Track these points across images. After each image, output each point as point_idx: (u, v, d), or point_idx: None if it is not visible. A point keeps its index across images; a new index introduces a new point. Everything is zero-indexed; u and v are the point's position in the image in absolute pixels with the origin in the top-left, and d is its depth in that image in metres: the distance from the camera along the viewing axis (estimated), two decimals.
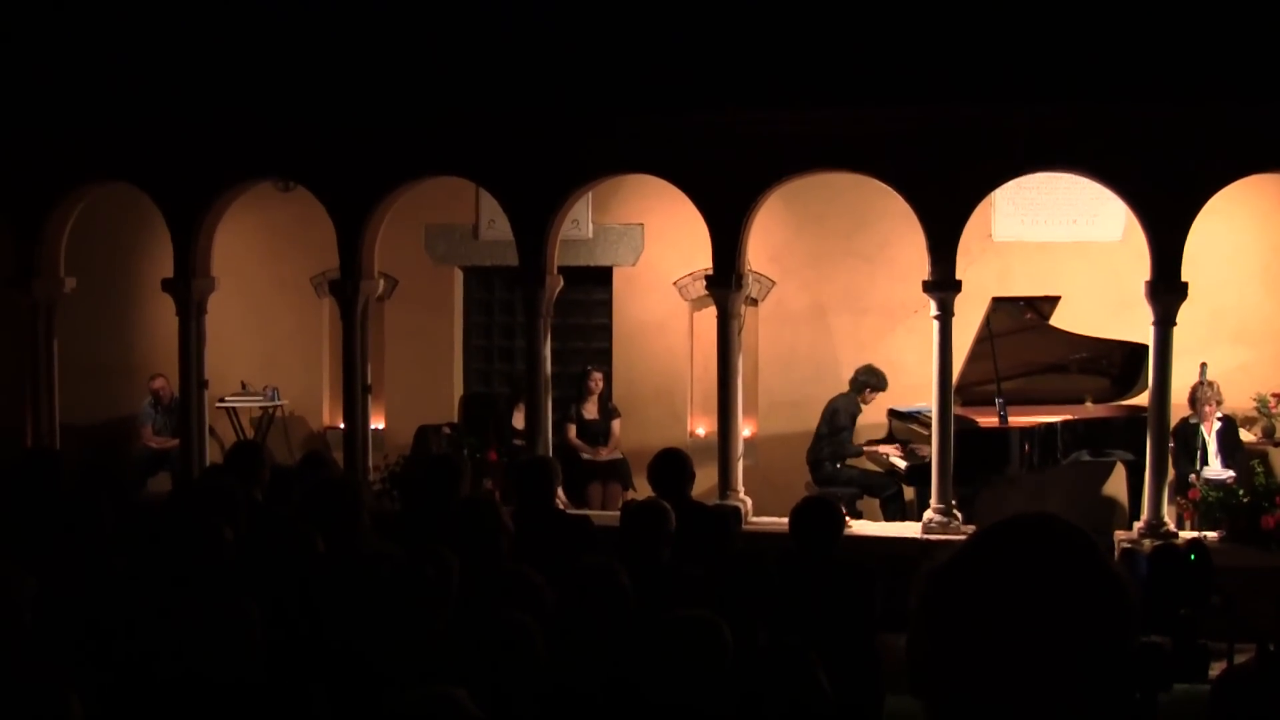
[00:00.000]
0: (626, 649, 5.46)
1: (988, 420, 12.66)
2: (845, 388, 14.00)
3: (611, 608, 5.87)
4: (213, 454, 13.53)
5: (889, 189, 11.70)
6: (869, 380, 13.79)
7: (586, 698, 5.39)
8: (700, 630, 5.17)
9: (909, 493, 13.33)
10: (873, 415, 13.98)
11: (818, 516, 7.75)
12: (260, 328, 15.92)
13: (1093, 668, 2.08)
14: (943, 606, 2.13)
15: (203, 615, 5.48)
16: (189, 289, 12.79)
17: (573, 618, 5.84)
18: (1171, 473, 11.90)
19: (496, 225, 14.59)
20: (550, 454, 11.93)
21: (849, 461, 13.74)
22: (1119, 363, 13.39)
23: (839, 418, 13.66)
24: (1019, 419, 12.64)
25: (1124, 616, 2.12)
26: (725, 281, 11.92)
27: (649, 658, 5.17)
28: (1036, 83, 11.14)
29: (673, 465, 8.87)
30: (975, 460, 12.18)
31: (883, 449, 13.70)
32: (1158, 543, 10.96)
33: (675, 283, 15.28)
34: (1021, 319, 13.04)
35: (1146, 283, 11.39)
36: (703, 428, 15.15)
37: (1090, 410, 13.33)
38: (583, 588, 5.93)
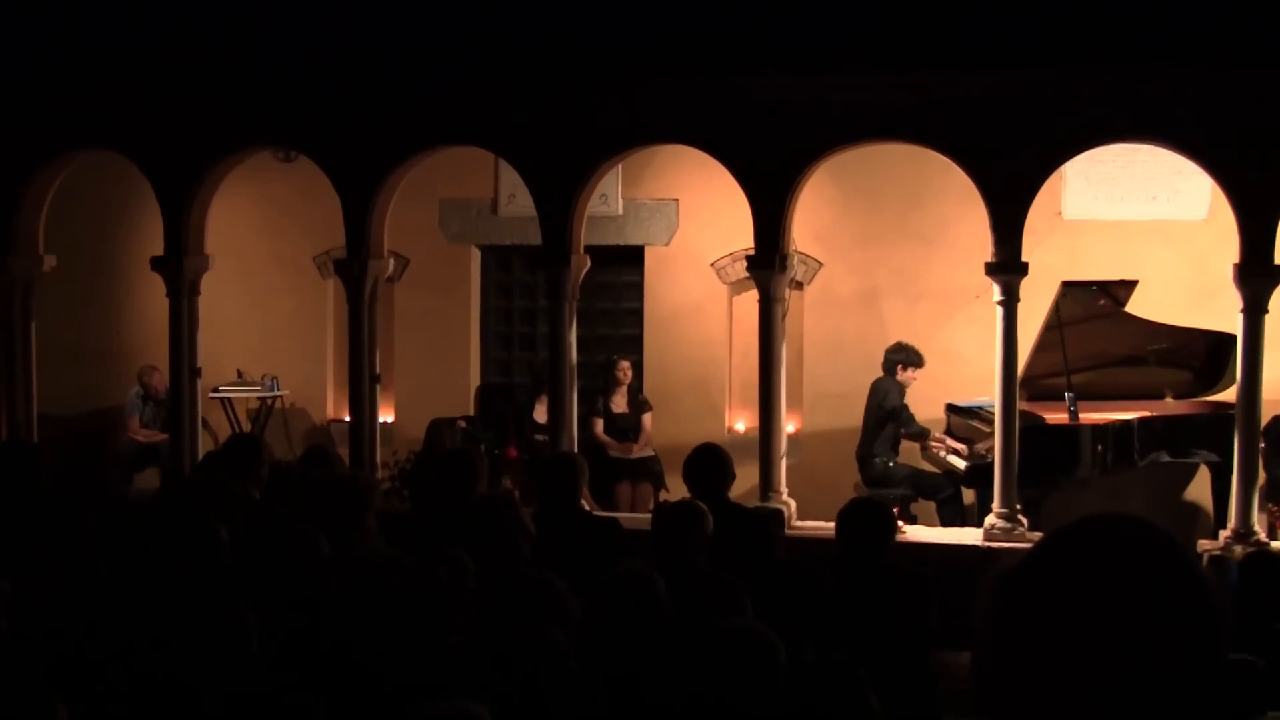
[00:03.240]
0: (665, 665, 5.46)
1: (1056, 417, 12.63)
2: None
3: (647, 620, 5.86)
4: (205, 448, 13.54)
5: (948, 162, 11.65)
6: (899, 357, 13.75)
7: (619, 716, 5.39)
8: (753, 644, 5.16)
9: (968, 495, 13.30)
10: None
11: (867, 520, 7.74)
12: (258, 311, 15.95)
13: (1179, 687, 2.06)
14: (1012, 617, 2.11)
15: (195, 624, 5.50)
16: (180, 268, 12.81)
17: (603, 630, 5.83)
18: (1262, 476, 11.80)
19: (517, 200, 14.58)
20: (575, 450, 11.94)
21: (898, 460, 13.72)
22: (1203, 354, 13.32)
23: (891, 398, 13.63)
24: (1091, 415, 12.61)
25: (1213, 629, 2.09)
26: (768, 263, 11.89)
27: (696, 673, 5.16)
28: (1113, 43, 11.08)
29: (710, 463, 8.85)
30: (1042, 460, 12.13)
31: (949, 441, 13.64)
32: (1250, 549, 10.91)
33: (713, 264, 15.27)
34: (1094, 305, 12.98)
35: (1235, 265, 11.32)
36: (742, 422, 15.14)
37: (1171, 407, 13.27)
38: (615, 597, 5.92)
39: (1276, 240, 11.19)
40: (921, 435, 13.81)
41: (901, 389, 13.77)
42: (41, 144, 13.04)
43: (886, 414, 13.69)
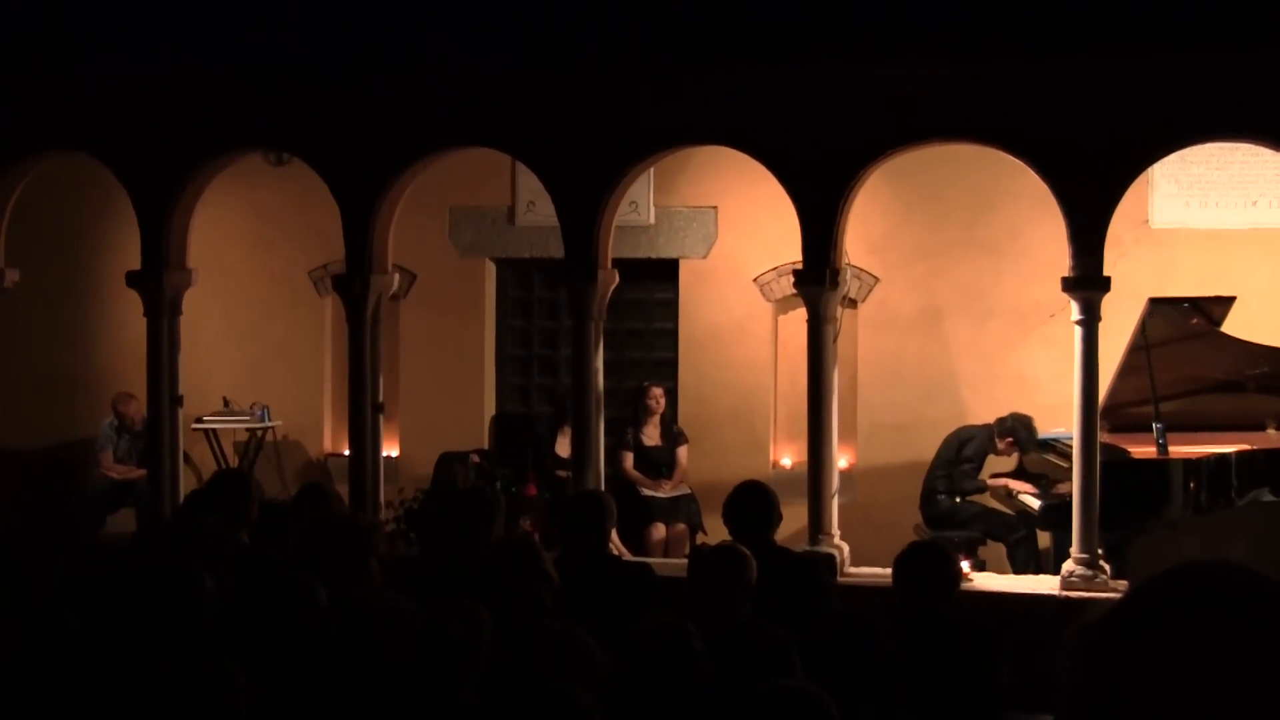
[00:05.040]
0: None
1: (1142, 450, 12.59)
2: (962, 407, 13.99)
3: (683, 678, 5.85)
4: (188, 486, 13.56)
5: (1020, 164, 11.64)
6: (1021, 434, 13.68)
7: None
8: (803, 706, 5.15)
9: (1043, 538, 13.26)
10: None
11: (928, 566, 7.73)
12: (247, 332, 15.99)
13: None
14: (1100, 675, 2.10)
15: (177, 684, 5.50)
16: (160, 284, 12.83)
17: (633, 689, 5.82)
18: None
19: (537, 208, 14.62)
20: (602, 488, 11.93)
21: (968, 499, 13.71)
22: None
23: (968, 448, 13.63)
24: (1182, 449, 12.56)
25: None
26: (817, 278, 11.88)
27: None
28: (1208, 29, 11.05)
29: (754, 503, 8.85)
30: (1127, 500, 12.10)
31: (1012, 484, 13.64)
32: None
33: (756, 279, 15.27)
34: (1185, 325, 12.95)
35: None
36: (789, 457, 15.13)
37: (1273, 439, 13.23)
38: (647, 652, 5.92)
39: None
40: (976, 490, 13.79)
41: (990, 448, 13.76)
42: (3, 145, 13.08)
43: (958, 459, 13.66)
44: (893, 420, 14.85)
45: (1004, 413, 13.80)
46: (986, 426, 13.86)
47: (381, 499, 12.86)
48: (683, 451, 14.70)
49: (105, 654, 6.64)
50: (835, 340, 12.20)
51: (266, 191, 15.37)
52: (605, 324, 12.54)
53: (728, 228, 15.33)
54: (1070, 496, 11.80)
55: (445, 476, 14.35)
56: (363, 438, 12.63)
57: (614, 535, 10.46)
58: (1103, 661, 2.09)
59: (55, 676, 6.42)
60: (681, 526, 14.33)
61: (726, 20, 11.73)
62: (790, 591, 7.78)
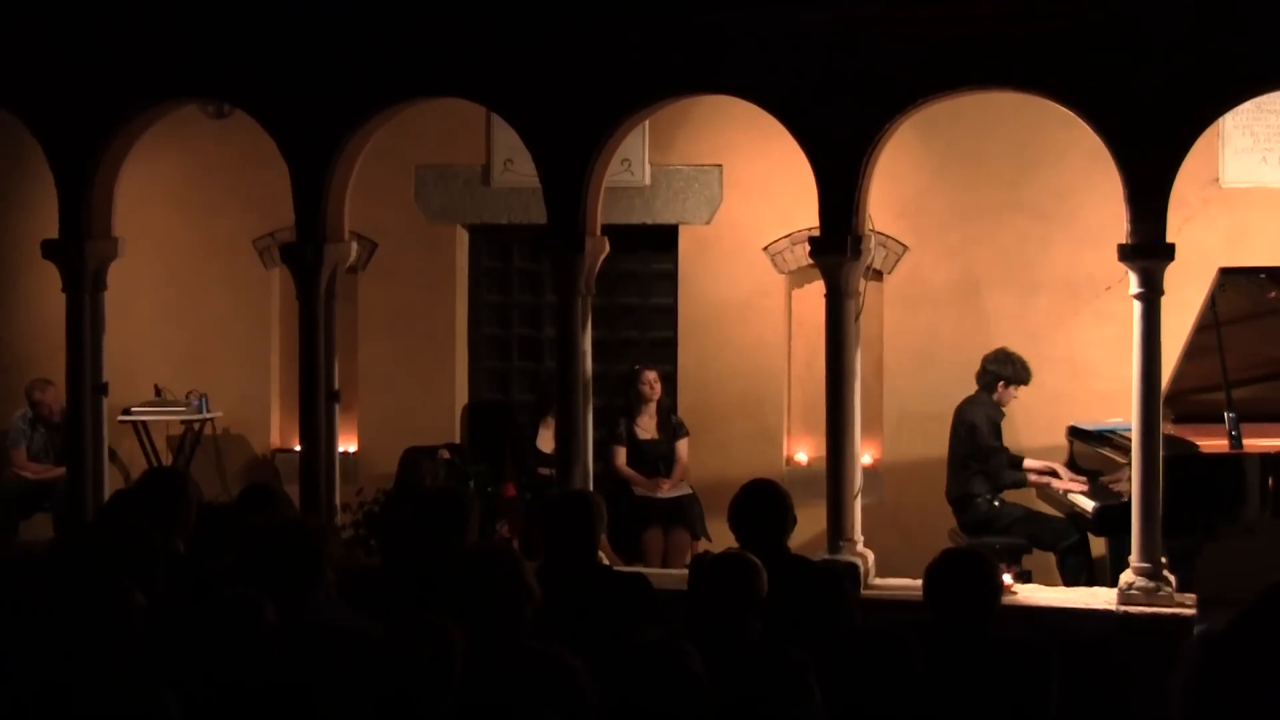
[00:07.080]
0: None
1: (1213, 443, 12.58)
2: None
3: (682, 705, 5.86)
4: (113, 487, 13.54)
5: (1070, 115, 11.63)
6: (1000, 370, 13.74)
7: None
8: None
9: (1098, 545, 13.26)
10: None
11: (965, 577, 7.73)
12: (182, 310, 16.00)
13: None
14: (1227, 691, 2.09)
15: (102, 710, 5.50)
16: (81, 255, 12.81)
17: (625, 717, 5.83)
18: None
19: (515, 167, 14.63)
20: (591, 488, 11.94)
21: (1007, 499, 13.70)
22: None
23: (980, 434, 13.61)
24: (1258, 442, 12.56)
25: None
26: (837, 246, 11.87)
27: None
28: None
29: (764, 504, 8.86)
30: (1195, 499, 12.10)
31: (1058, 483, 13.62)
32: None
33: (766, 248, 15.28)
34: (1261, 298, 12.95)
35: None
36: (805, 451, 15.15)
37: None
38: (640, 675, 5.92)
39: None
40: (1017, 485, 13.79)
41: (997, 414, 13.74)
42: None
43: (982, 451, 13.64)
44: (924, 409, 14.86)
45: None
46: (973, 396, 13.85)
47: (337, 501, 12.87)
48: (683, 446, 14.71)
49: (19, 677, 6.63)
50: (858, 318, 12.19)
51: (205, 149, 15.37)
52: (594, 299, 12.52)
53: (734, 189, 15.34)
54: (1129, 497, 11.80)
55: (411, 475, 14.37)
56: (316, 431, 12.63)
57: (604, 541, 10.47)
58: (1229, 675, 2.08)
59: None
60: (681, 532, 14.34)
61: None
62: (806, 606, 7.79)
